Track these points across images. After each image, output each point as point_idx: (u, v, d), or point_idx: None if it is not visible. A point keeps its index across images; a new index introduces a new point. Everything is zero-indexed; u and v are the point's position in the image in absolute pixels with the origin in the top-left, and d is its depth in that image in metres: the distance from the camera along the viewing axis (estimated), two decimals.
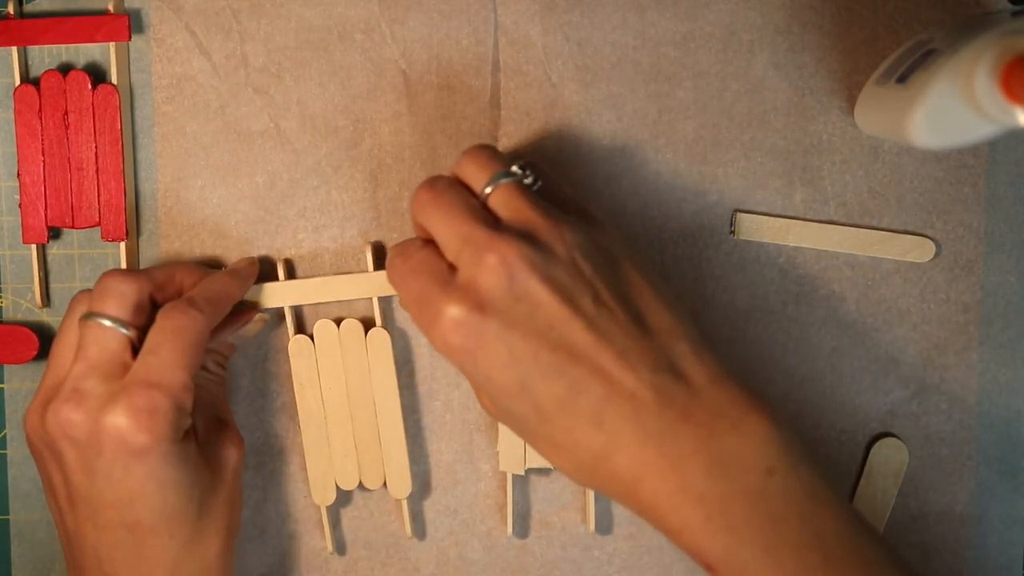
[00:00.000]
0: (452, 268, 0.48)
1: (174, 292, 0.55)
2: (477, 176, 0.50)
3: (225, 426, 0.56)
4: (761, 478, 0.45)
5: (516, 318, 0.46)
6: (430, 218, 0.49)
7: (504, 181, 0.49)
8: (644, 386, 0.45)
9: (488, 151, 0.51)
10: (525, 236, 0.47)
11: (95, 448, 0.49)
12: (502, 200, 0.49)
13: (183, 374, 0.50)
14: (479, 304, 0.46)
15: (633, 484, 0.46)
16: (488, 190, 0.49)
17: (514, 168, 0.50)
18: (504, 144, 0.60)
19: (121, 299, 0.51)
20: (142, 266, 0.60)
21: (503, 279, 0.46)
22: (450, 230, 0.48)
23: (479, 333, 0.46)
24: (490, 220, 0.48)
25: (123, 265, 0.59)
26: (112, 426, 0.49)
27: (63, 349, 0.52)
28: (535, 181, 0.50)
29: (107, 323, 0.51)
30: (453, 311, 0.46)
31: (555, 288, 0.46)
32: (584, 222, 0.49)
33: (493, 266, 0.46)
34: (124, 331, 0.51)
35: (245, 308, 0.58)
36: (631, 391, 0.45)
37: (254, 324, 0.58)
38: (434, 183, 0.50)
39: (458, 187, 0.50)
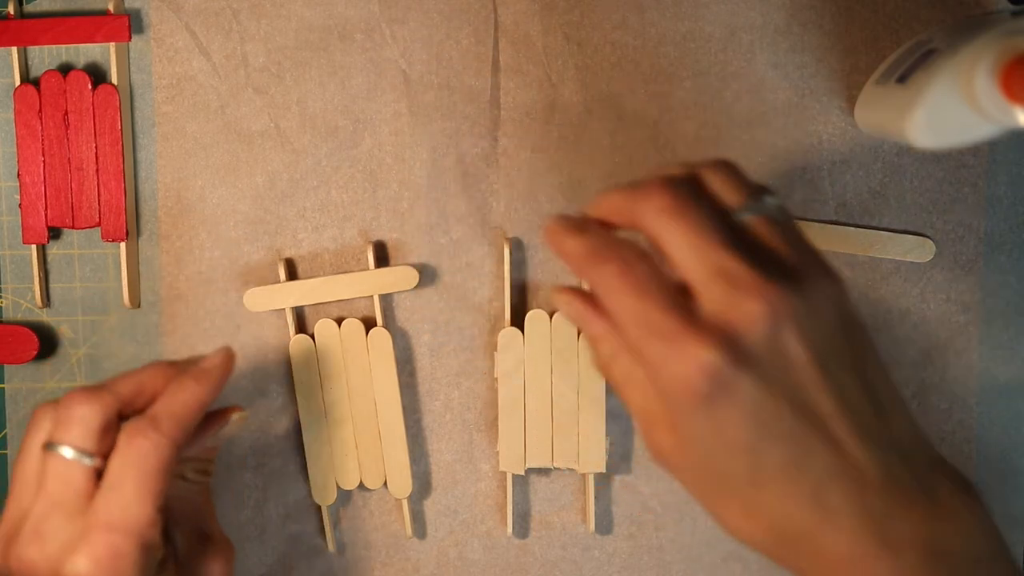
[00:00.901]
0: (682, 289, 0.42)
1: (143, 404, 0.50)
2: (730, 193, 0.44)
3: (209, 539, 0.52)
4: (970, 567, 0.42)
5: (770, 375, 0.41)
6: (668, 229, 0.42)
7: (770, 209, 0.44)
8: (875, 464, 0.42)
9: (739, 167, 0.45)
10: (791, 284, 0.41)
11: None
12: (765, 231, 0.43)
13: (149, 508, 0.46)
14: (735, 353, 0.41)
15: (838, 564, 0.42)
16: (748, 215, 0.43)
17: (768, 200, 0.44)
18: (504, 144, 0.60)
19: (84, 426, 0.47)
20: (142, 267, 0.60)
21: (767, 331, 0.41)
22: (699, 253, 0.42)
23: (730, 385, 0.41)
24: (747, 253, 0.42)
25: (123, 265, 0.59)
26: (75, 574, 0.45)
27: (24, 477, 0.48)
28: (787, 219, 0.44)
29: (70, 454, 0.47)
30: (707, 355, 0.40)
31: (814, 350, 0.41)
32: (835, 277, 0.44)
33: (759, 316, 0.41)
34: (87, 462, 0.47)
35: (222, 408, 0.54)
36: (862, 468, 0.42)
37: (233, 424, 0.53)
38: (676, 186, 0.43)
39: (707, 200, 0.43)
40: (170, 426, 0.48)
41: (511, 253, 0.59)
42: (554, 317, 0.59)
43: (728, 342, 0.41)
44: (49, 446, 0.47)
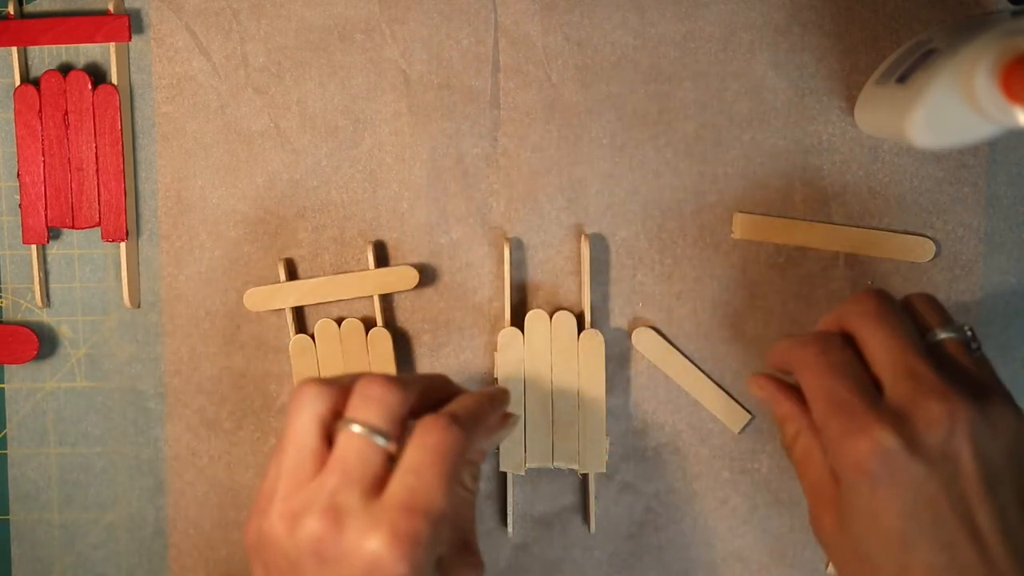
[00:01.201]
0: (873, 383, 0.47)
1: (429, 405, 0.50)
2: (931, 316, 0.49)
3: (467, 549, 0.51)
4: None
5: (938, 474, 0.44)
6: (870, 327, 0.48)
7: (964, 334, 0.49)
8: None
9: (939, 301, 0.51)
10: (975, 400, 0.45)
11: (344, 570, 0.45)
12: (958, 353, 0.48)
13: (444, 500, 0.46)
14: (910, 443, 0.44)
15: None
16: (943, 335, 0.48)
17: (967, 328, 0.49)
18: (504, 144, 0.60)
19: (385, 409, 0.47)
20: (142, 267, 0.60)
21: (943, 432, 0.44)
22: (895, 353, 0.47)
23: (899, 471, 0.44)
24: (937, 365, 0.47)
25: (123, 265, 0.59)
26: (370, 551, 0.44)
27: (299, 451, 0.47)
28: (978, 349, 0.49)
29: (372, 436, 0.46)
30: (885, 438, 0.44)
31: (984, 464, 0.44)
32: (1018, 408, 0.47)
33: (939, 416, 0.44)
34: (382, 442, 0.46)
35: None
36: None
37: (509, 427, 0.53)
38: (883, 298, 0.49)
39: (906, 314, 0.49)
40: (468, 424, 0.48)
41: (511, 253, 0.59)
42: (554, 317, 0.59)
43: (905, 431, 0.44)
44: (348, 423, 0.46)
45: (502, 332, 0.59)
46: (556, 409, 0.59)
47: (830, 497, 0.47)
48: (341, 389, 0.48)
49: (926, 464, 0.44)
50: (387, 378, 0.48)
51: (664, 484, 0.61)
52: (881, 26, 0.59)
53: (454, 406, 0.49)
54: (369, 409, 0.47)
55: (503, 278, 0.60)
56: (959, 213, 0.60)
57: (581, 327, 0.59)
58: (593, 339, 0.59)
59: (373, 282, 0.59)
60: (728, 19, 0.59)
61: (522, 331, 0.59)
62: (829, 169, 0.60)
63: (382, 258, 0.60)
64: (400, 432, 0.47)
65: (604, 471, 0.59)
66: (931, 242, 0.60)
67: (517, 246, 0.60)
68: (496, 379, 0.59)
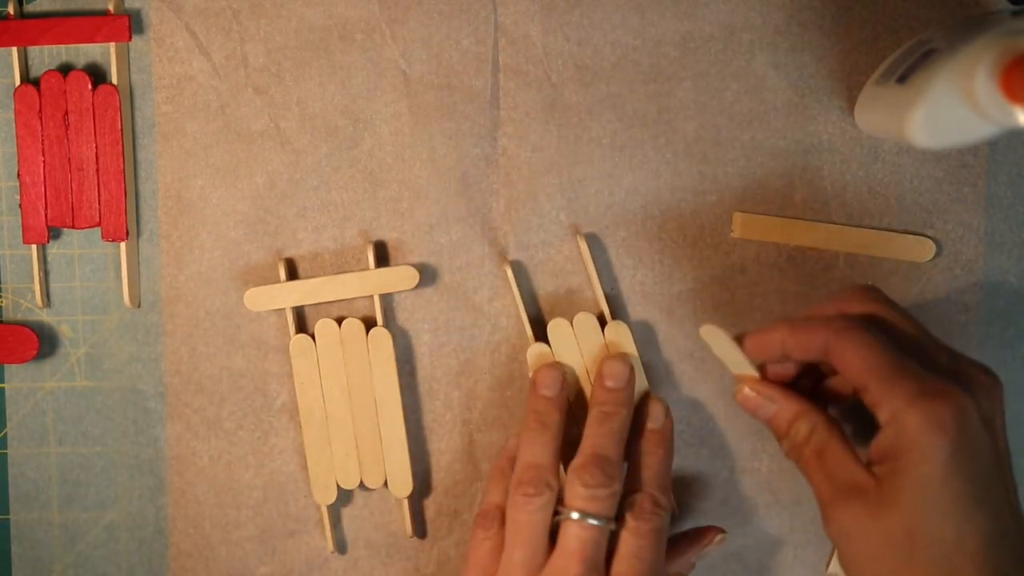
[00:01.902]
0: None
1: (635, 472, 0.55)
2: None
3: None
4: None
5: (991, 440, 0.46)
6: (895, 310, 0.51)
7: None
8: None
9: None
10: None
11: None
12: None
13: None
14: (979, 407, 0.46)
15: None
16: None
17: None
18: (504, 144, 0.60)
19: (612, 499, 0.52)
20: (142, 267, 0.60)
21: (993, 400, 0.48)
22: (925, 334, 0.50)
23: (975, 434, 0.45)
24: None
25: (123, 265, 0.59)
26: None
27: (531, 546, 0.52)
28: None
29: (600, 523, 0.52)
30: (964, 400, 0.45)
31: (1005, 434, 0.48)
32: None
33: (988, 384, 0.48)
34: (606, 525, 0.52)
35: (703, 528, 0.58)
36: None
37: (715, 544, 0.58)
38: (881, 292, 0.52)
39: None
40: (666, 497, 0.54)
41: (514, 274, 0.59)
42: (575, 321, 0.59)
43: (972, 396, 0.45)
44: (573, 514, 0.52)
45: (530, 350, 0.59)
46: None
47: (860, 486, 0.46)
48: (554, 482, 0.53)
49: (987, 429, 0.45)
50: (603, 467, 0.52)
51: None
52: (881, 26, 0.59)
53: (653, 486, 0.54)
54: (591, 501, 0.51)
55: (514, 302, 0.60)
56: (959, 213, 0.60)
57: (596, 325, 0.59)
58: (619, 329, 0.59)
59: (373, 282, 0.59)
60: (728, 19, 0.59)
61: (547, 343, 0.59)
62: (829, 169, 0.60)
63: (382, 258, 0.60)
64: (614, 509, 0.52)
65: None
66: (931, 242, 0.60)
67: (517, 246, 0.60)
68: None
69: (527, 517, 0.52)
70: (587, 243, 0.59)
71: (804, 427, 0.49)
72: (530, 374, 0.59)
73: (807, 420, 0.49)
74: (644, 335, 0.61)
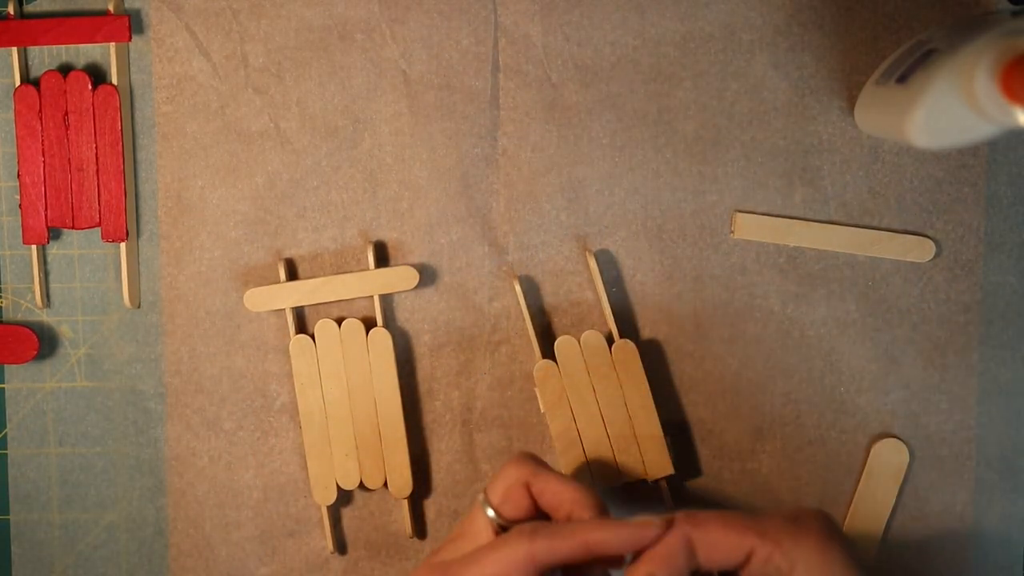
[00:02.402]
0: None
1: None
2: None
3: None
4: None
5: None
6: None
7: None
8: None
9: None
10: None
11: None
12: None
13: None
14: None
15: None
16: None
17: None
18: (504, 144, 0.60)
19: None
20: (142, 267, 0.60)
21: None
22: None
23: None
24: None
25: (123, 265, 0.59)
26: None
27: None
28: None
29: None
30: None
31: None
32: None
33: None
34: None
35: None
36: None
37: None
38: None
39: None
40: None
41: (523, 289, 0.59)
42: (582, 339, 0.59)
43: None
44: None
45: (537, 367, 0.59)
46: (610, 427, 0.59)
47: None
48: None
49: None
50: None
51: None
52: (881, 26, 0.59)
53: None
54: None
55: (518, 309, 0.60)
56: (959, 213, 0.60)
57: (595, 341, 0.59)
58: (626, 349, 0.59)
59: (373, 282, 0.59)
60: (728, 19, 0.59)
61: (554, 360, 0.59)
62: (829, 169, 0.60)
63: (382, 258, 0.60)
64: None
65: (673, 472, 0.59)
66: (931, 242, 0.60)
67: (517, 246, 0.60)
68: (544, 413, 0.59)
69: None
70: (595, 259, 0.59)
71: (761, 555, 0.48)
72: (537, 391, 0.59)
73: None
74: (645, 335, 0.61)
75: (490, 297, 0.60)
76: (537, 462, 0.52)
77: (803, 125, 0.60)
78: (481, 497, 0.51)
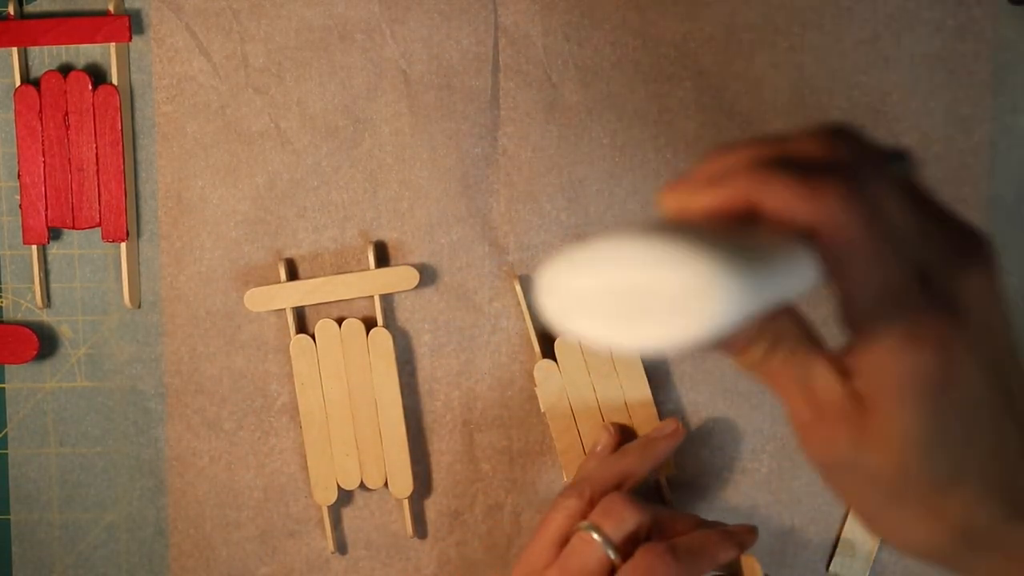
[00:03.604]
0: None
1: (669, 536, 0.53)
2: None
3: None
4: None
5: (985, 353, 0.38)
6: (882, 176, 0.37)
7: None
8: None
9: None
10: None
11: None
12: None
13: None
14: (967, 337, 0.37)
15: None
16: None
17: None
18: (504, 144, 0.60)
19: (621, 524, 0.52)
20: (142, 267, 0.60)
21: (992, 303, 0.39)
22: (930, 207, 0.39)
23: (962, 374, 0.37)
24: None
25: (123, 265, 0.59)
26: None
27: (548, 537, 0.53)
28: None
29: (598, 539, 0.51)
30: (959, 348, 0.36)
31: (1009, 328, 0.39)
32: None
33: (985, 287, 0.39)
34: (611, 554, 0.51)
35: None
36: None
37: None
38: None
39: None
40: (685, 557, 0.51)
41: (524, 290, 0.59)
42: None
43: (968, 332, 0.36)
44: (586, 528, 0.52)
45: (537, 366, 0.59)
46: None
47: (842, 408, 0.38)
48: (592, 500, 0.53)
49: (979, 352, 0.37)
50: (632, 500, 0.52)
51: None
52: (881, 26, 0.59)
53: (680, 539, 0.52)
54: (607, 520, 0.52)
55: (518, 309, 0.60)
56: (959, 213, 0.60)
57: None
58: None
59: (373, 282, 0.59)
60: (728, 19, 0.59)
61: (555, 360, 0.59)
62: None
63: (382, 258, 0.60)
64: (631, 550, 0.51)
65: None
66: None
67: (517, 246, 0.60)
68: (544, 412, 0.59)
69: (552, 515, 0.54)
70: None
71: (768, 337, 0.39)
72: (537, 391, 0.59)
73: (772, 327, 0.39)
74: None
75: (490, 297, 0.60)
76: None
77: (803, 125, 0.59)
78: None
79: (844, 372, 0.39)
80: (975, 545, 0.39)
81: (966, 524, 0.39)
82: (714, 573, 0.55)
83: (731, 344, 0.38)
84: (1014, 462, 0.38)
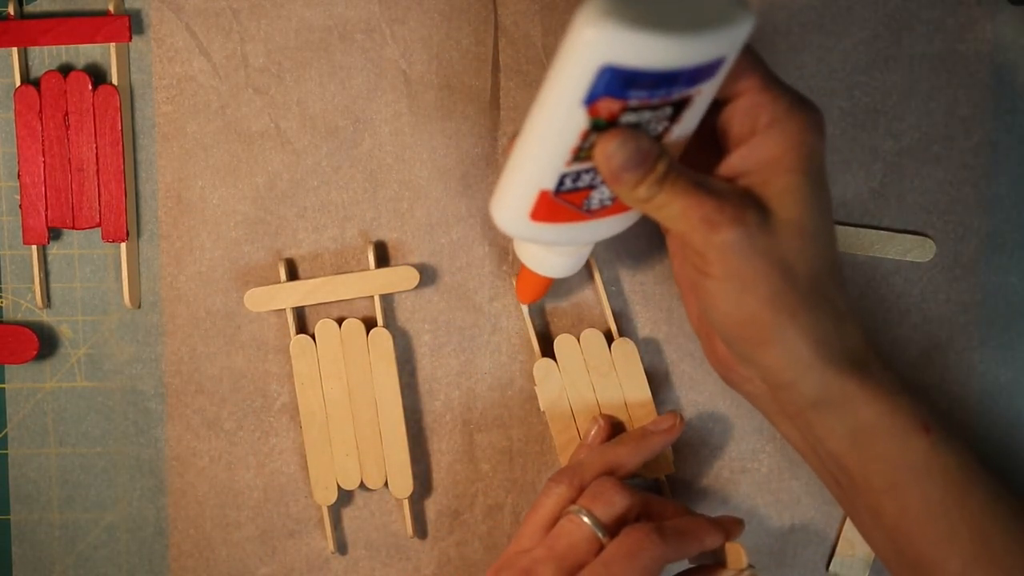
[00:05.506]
0: None
1: (658, 520, 0.54)
2: None
3: None
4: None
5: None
6: None
7: None
8: None
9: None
10: None
11: None
12: None
13: None
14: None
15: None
16: None
17: None
18: (504, 144, 0.60)
19: (610, 507, 0.52)
20: (142, 267, 0.60)
21: None
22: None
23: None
24: None
25: (123, 265, 0.59)
26: None
27: (537, 521, 0.54)
28: None
29: (587, 520, 0.52)
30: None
31: None
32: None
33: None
34: (599, 534, 0.52)
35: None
36: None
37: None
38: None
39: None
40: (671, 538, 0.52)
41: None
42: (582, 337, 0.59)
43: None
44: (576, 511, 0.52)
45: (536, 365, 0.59)
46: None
47: (737, 206, 0.47)
48: (581, 486, 0.54)
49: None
50: (621, 483, 0.53)
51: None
52: (881, 26, 0.59)
53: (669, 521, 0.53)
54: (596, 503, 0.52)
55: (521, 315, 0.60)
56: (959, 213, 0.60)
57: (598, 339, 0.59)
58: (626, 347, 0.59)
59: (373, 282, 0.59)
60: None
61: (554, 359, 0.59)
62: (829, 169, 0.59)
63: (382, 258, 0.60)
64: (616, 531, 0.52)
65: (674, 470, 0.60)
66: (931, 242, 0.60)
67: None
68: (544, 411, 0.59)
69: (541, 500, 0.54)
70: (595, 258, 0.59)
71: (663, 158, 0.46)
72: (536, 390, 0.59)
73: (659, 151, 0.46)
74: (645, 335, 0.61)
75: (490, 297, 0.60)
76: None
77: None
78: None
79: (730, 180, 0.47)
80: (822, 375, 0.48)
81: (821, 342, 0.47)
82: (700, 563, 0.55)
83: (633, 168, 0.45)
84: (841, 314, 0.48)
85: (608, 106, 0.43)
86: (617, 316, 0.60)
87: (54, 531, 0.61)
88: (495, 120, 0.60)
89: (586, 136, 0.44)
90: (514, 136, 0.47)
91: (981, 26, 0.59)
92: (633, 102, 0.43)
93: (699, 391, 0.61)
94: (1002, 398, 0.60)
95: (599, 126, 0.44)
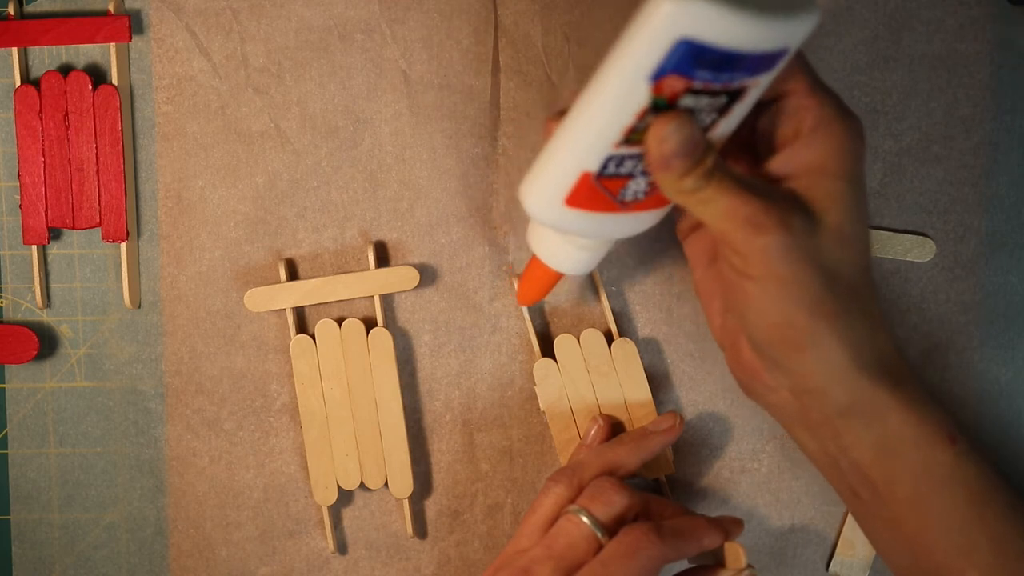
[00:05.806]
0: None
1: (656, 520, 0.54)
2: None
3: None
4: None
5: None
6: None
7: None
8: None
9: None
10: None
11: None
12: None
13: None
14: None
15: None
16: None
17: None
18: (504, 144, 0.60)
19: (609, 506, 0.53)
20: (142, 267, 0.60)
21: None
22: None
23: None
24: None
25: (123, 266, 0.59)
26: None
27: (536, 521, 0.54)
28: None
29: (586, 520, 0.52)
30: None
31: None
32: None
33: None
34: (598, 533, 0.52)
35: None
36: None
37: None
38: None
39: None
40: (669, 538, 0.52)
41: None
42: (582, 337, 0.59)
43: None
44: (576, 511, 0.52)
45: (536, 365, 0.59)
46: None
47: (783, 207, 0.46)
48: (580, 486, 0.54)
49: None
50: (620, 483, 0.53)
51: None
52: (881, 26, 0.59)
53: (668, 521, 0.53)
54: (595, 503, 0.53)
55: (521, 315, 0.60)
56: (959, 213, 0.60)
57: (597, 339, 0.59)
58: (626, 347, 0.59)
59: (374, 282, 0.59)
60: None
61: (554, 359, 0.59)
62: None
63: (382, 258, 0.60)
64: (614, 531, 0.52)
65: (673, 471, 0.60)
66: (931, 242, 0.60)
67: (517, 246, 0.60)
68: (544, 412, 0.59)
69: (540, 500, 0.54)
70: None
71: (711, 151, 0.45)
72: (536, 390, 0.59)
73: (708, 144, 0.45)
74: (645, 335, 0.61)
75: (490, 297, 0.60)
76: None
77: None
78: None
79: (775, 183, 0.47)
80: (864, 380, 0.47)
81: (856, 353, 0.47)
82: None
83: (684, 155, 0.44)
84: (875, 322, 0.48)
85: (672, 84, 0.42)
86: (617, 316, 0.60)
87: (54, 531, 0.61)
88: (495, 120, 0.60)
89: (643, 116, 0.43)
90: (554, 115, 0.47)
91: (981, 26, 0.59)
92: (697, 83, 0.42)
93: (699, 391, 0.61)
94: (1002, 398, 0.60)
95: (659, 106, 0.43)
